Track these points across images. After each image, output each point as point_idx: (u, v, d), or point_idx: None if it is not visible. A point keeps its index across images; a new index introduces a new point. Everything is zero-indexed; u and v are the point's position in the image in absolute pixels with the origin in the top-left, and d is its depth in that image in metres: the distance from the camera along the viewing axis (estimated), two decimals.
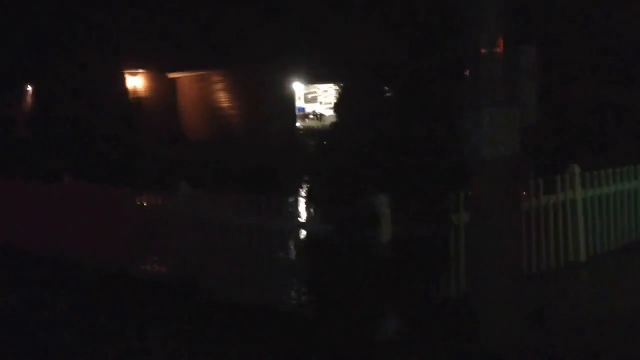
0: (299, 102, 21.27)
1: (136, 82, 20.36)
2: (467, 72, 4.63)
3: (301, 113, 21.47)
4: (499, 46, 4.45)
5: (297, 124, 20.07)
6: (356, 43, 6.92)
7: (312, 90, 22.29)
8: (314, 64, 17.66)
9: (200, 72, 20.08)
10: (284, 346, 5.33)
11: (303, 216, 6.17)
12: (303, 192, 9.01)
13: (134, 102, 19.85)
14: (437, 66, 5.40)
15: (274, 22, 16.74)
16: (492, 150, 4.58)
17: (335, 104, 6.13)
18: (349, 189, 5.26)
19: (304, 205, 6.37)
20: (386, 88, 5.78)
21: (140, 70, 20.12)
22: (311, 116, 21.95)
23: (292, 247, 6.32)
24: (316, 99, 22.57)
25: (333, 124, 6.26)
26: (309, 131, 20.31)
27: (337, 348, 5.07)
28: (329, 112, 22.41)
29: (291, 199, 6.88)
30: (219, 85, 20.08)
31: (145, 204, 7.88)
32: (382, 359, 4.98)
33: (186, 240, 7.05)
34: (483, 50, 4.47)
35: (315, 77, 19.64)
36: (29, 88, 20.88)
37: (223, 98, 20.00)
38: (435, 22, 5.38)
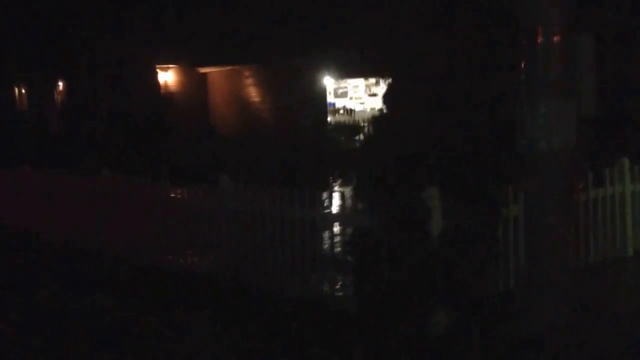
0: (330, 98, 21.22)
1: (168, 77, 20.48)
2: (523, 63, 4.55)
3: (332, 108, 21.42)
4: (557, 36, 4.37)
5: (328, 119, 20.02)
6: (399, 34, 6.86)
7: (342, 85, 22.24)
8: (345, 59, 17.59)
9: (231, 67, 20.12)
10: (329, 341, 5.31)
11: (347, 209, 6.14)
12: (341, 186, 9.00)
13: (166, 97, 20.00)
14: (490, 56, 5.31)
15: (305, 16, 16.70)
16: (548, 143, 4.50)
17: (384, 95, 6.06)
18: (398, 181, 5.19)
19: (348, 198, 6.33)
20: (435, 79, 5.69)
21: (172, 65, 20.22)
22: (342, 111, 21.91)
23: (335, 240, 6.31)
24: (346, 94, 22.53)
25: (378, 116, 6.20)
26: (339, 126, 20.28)
27: (384, 343, 5.03)
28: (359, 107, 22.39)
29: (335, 192, 6.86)
30: (250, 80, 20.10)
31: (183, 197, 7.90)
32: (432, 354, 4.93)
33: (228, 234, 7.06)
34: (540, 40, 4.38)
35: (346, 72, 19.58)
36: (61, 84, 21.14)
37: (253, 93, 20.02)
38: (488, 10, 5.30)
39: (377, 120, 6.78)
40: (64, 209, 9.52)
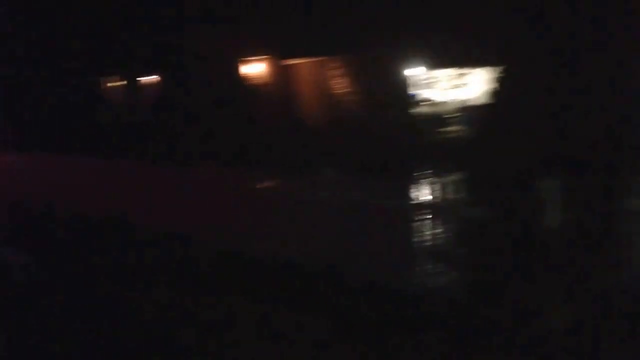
0: (415, 88, 20.92)
1: (253, 69, 20.67)
2: None
3: (416, 99, 21.10)
4: None
5: (414, 110, 19.74)
6: (499, 22, 6.63)
7: (428, 76, 21.85)
8: (432, 49, 17.28)
9: (316, 59, 20.13)
10: (437, 334, 5.19)
11: (454, 200, 6.01)
12: (437, 177, 8.84)
13: (251, 89, 20.21)
14: (609, 44, 5.05)
15: (389, 6, 16.47)
16: None
17: (495, 87, 5.89)
18: (513, 172, 5.03)
19: (453, 189, 6.20)
20: (549, 69, 5.48)
21: (258, 58, 20.41)
22: (427, 102, 21.54)
23: (441, 230, 6.19)
24: (433, 85, 22.12)
25: (485, 108, 6.03)
26: (425, 117, 19.94)
27: (510, 336, 4.86)
28: (445, 98, 21.96)
29: (436, 182, 6.73)
30: (334, 72, 20.05)
31: (277, 187, 7.94)
32: (553, 347, 4.75)
33: (325, 223, 7.04)
34: None
35: (432, 62, 19.23)
36: (150, 77, 21.72)
37: (338, 84, 19.97)
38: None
39: (484, 112, 6.64)
40: (159, 197, 9.77)
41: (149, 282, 7.23)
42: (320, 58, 19.75)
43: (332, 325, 5.54)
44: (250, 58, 20.19)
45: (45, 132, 20.27)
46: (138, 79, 22.02)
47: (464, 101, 18.26)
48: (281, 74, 20.95)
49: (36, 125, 21.77)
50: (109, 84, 23.97)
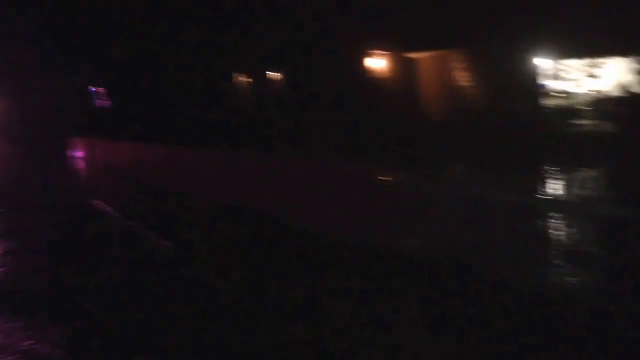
0: (543, 80, 20.15)
1: (377, 63, 20.70)
2: None
3: (545, 91, 20.32)
4: None
5: (541, 102, 19.03)
6: None
7: (557, 67, 20.97)
8: (562, 39, 16.55)
9: (440, 52, 19.85)
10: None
11: (594, 198, 5.72)
12: (568, 173, 8.47)
13: (374, 82, 20.25)
14: None
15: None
16: None
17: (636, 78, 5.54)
18: None
19: (592, 187, 5.91)
20: None
21: (381, 52, 20.42)
22: (559, 94, 20.67)
23: (578, 230, 5.92)
24: (562, 76, 21.20)
25: (631, 99, 5.68)
26: (554, 110, 19.17)
27: None
28: (579, 90, 20.96)
29: (570, 179, 6.45)
30: (459, 65, 19.70)
31: (404, 180, 7.90)
32: None
33: (452, 218, 6.94)
34: None
35: (561, 53, 18.43)
36: (275, 73, 22.28)
37: (463, 77, 19.60)
38: None
39: (624, 105, 6.26)
40: (282, 188, 10.02)
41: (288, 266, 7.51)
42: (445, 50, 19.46)
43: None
44: (373, 51, 20.22)
45: (176, 125, 21.31)
46: (266, 73, 22.67)
47: (600, 93, 17.34)
48: (405, 68, 20.84)
49: (169, 119, 22.95)
50: (239, 79, 24.86)
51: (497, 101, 17.66)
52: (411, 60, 21.05)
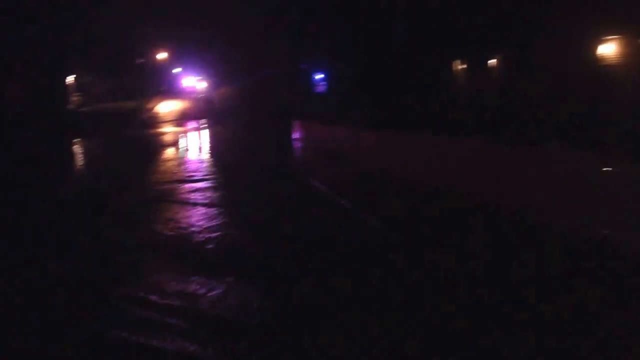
0: None
1: (603, 48, 19.58)
2: None
3: None
4: None
5: None
6: None
7: None
8: None
9: None
10: None
11: None
12: None
13: (600, 69, 19.16)
14: None
15: None
16: None
17: None
18: None
19: None
20: None
21: (613, 37, 19.30)
22: None
23: None
24: None
25: None
26: None
27: None
28: None
29: None
30: None
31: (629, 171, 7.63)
32: None
33: None
34: None
35: None
36: (492, 60, 21.95)
37: None
38: None
39: None
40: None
41: None
42: None
43: None
44: (601, 37, 19.13)
45: (400, 112, 21.91)
46: (487, 61, 22.50)
47: None
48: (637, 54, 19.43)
49: (393, 105, 23.64)
50: (458, 67, 24.91)
51: None
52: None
